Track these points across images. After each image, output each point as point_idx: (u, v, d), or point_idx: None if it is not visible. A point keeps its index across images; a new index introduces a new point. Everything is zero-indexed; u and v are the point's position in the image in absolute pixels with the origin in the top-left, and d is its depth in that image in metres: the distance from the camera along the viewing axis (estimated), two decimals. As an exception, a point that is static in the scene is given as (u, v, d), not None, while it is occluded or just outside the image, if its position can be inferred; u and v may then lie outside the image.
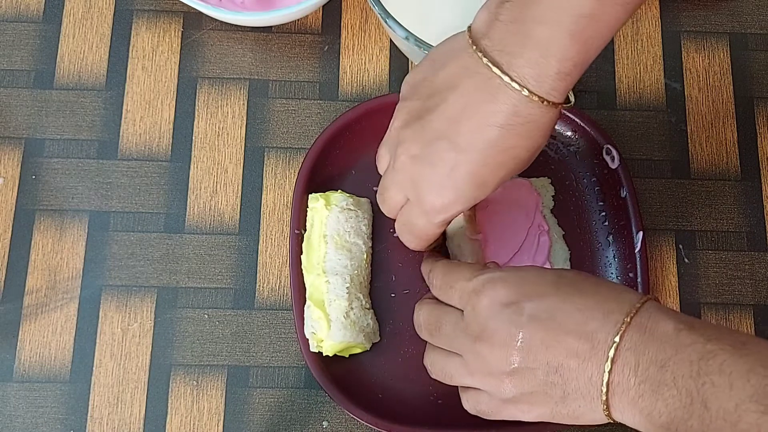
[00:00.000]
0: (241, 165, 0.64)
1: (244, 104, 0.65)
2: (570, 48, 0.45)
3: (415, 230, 0.53)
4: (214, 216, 0.63)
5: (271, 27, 0.67)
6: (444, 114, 0.48)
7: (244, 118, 0.65)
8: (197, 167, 0.64)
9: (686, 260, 0.63)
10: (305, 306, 0.58)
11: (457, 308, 0.50)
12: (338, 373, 0.57)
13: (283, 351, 0.60)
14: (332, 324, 0.56)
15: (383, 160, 0.53)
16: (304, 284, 0.58)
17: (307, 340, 0.57)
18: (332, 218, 0.58)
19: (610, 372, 0.43)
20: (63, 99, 0.65)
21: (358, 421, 0.58)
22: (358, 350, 0.58)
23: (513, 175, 0.50)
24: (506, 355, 0.46)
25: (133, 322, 0.60)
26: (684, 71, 0.67)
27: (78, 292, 0.61)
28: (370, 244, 0.60)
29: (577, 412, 0.46)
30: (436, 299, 0.53)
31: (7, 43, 0.66)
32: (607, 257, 0.61)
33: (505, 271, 0.50)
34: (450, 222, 0.54)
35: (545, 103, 0.46)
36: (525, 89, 0.45)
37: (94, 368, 0.59)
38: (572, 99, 0.49)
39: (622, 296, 0.46)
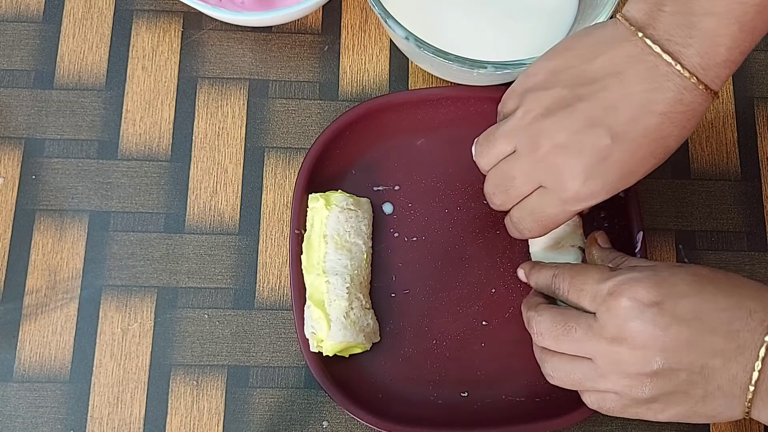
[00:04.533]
0: (241, 165, 0.64)
1: (244, 104, 0.65)
2: (738, 37, 0.46)
3: (542, 218, 0.52)
4: (214, 216, 0.63)
5: (271, 27, 0.67)
6: (601, 101, 0.48)
7: (244, 118, 0.65)
8: (197, 167, 0.64)
9: (686, 260, 0.63)
10: (305, 306, 0.58)
11: (586, 311, 0.49)
12: (338, 373, 0.57)
13: (283, 351, 0.60)
14: (332, 324, 0.56)
15: (499, 149, 0.52)
16: (304, 284, 0.58)
17: (307, 340, 0.57)
18: (332, 218, 0.58)
19: (760, 371, 0.44)
20: (63, 99, 0.65)
21: (358, 421, 0.58)
22: (358, 350, 0.58)
23: (656, 167, 0.50)
24: (648, 356, 0.46)
25: (133, 322, 0.60)
26: (684, 71, 0.67)
27: (78, 292, 0.61)
28: (370, 244, 0.60)
29: (715, 411, 0.46)
30: (549, 303, 0.52)
31: (7, 43, 0.66)
32: (607, 257, 0.61)
33: (640, 271, 0.49)
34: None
35: (708, 90, 0.47)
36: (694, 77, 0.46)
37: (94, 368, 0.59)
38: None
39: (762, 294, 0.46)
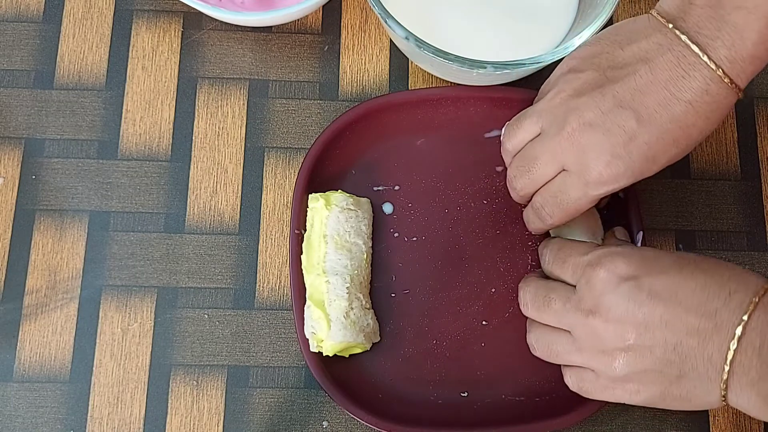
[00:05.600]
0: (241, 165, 0.64)
1: (244, 104, 0.65)
2: (765, 33, 0.47)
3: (564, 202, 0.52)
4: (214, 216, 0.63)
5: (271, 27, 0.67)
6: (630, 84, 0.49)
7: (244, 118, 0.65)
8: (197, 167, 0.64)
9: (686, 260, 0.63)
10: (305, 306, 0.58)
11: (568, 283, 0.51)
12: (338, 373, 0.57)
13: (283, 351, 0.60)
14: (332, 324, 0.56)
15: (526, 130, 0.53)
16: (304, 284, 0.58)
17: (307, 340, 0.57)
18: (332, 218, 0.58)
19: (735, 351, 0.44)
20: (63, 99, 0.65)
21: (358, 421, 0.58)
22: (358, 350, 0.58)
23: (680, 158, 0.51)
24: (622, 331, 0.46)
25: (133, 322, 0.60)
26: (684, 71, 0.67)
27: (78, 292, 0.61)
28: (370, 244, 0.60)
29: (691, 394, 0.46)
30: (543, 276, 0.53)
31: (7, 43, 0.66)
32: (607, 257, 0.61)
33: (624, 246, 0.50)
34: (600, 201, 0.53)
35: (733, 85, 0.48)
36: (720, 69, 0.47)
37: (94, 368, 0.59)
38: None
39: (746, 278, 0.47)
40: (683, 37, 0.48)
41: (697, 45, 0.48)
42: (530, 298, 0.53)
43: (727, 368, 0.44)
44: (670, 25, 0.49)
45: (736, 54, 0.47)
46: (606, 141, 0.49)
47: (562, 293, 0.51)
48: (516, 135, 0.54)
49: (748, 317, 0.44)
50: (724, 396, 0.45)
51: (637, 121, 0.49)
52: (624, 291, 0.47)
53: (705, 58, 0.47)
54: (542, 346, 0.53)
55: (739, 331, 0.44)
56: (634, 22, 0.51)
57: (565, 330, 0.50)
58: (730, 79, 0.48)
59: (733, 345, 0.44)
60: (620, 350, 0.47)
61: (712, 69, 0.47)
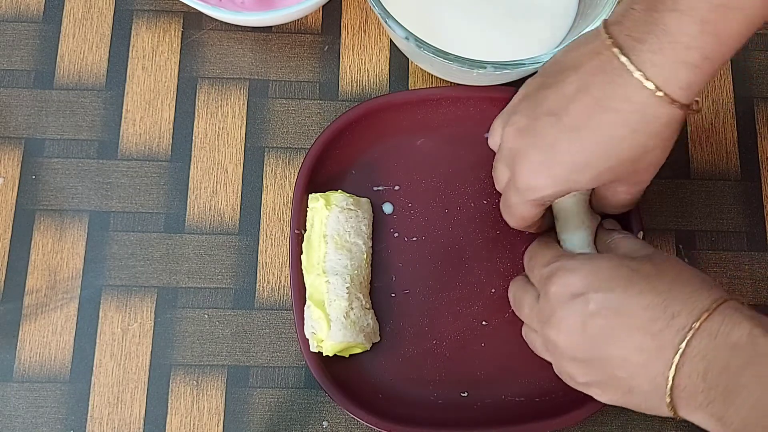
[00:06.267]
0: (241, 165, 0.64)
1: (244, 104, 0.65)
2: (699, 37, 0.43)
3: (511, 207, 0.52)
4: (214, 216, 0.63)
5: (271, 27, 0.67)
6: (559, 91, 0.48)
7: (244, 118, 0.65)
8: (197, 167, 0.64)
9: (686, 260, 0.63)
10: (305, 306, 0.58)
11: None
12: (338, 373, 0.57)
13: (283, 351, 0.60)
14: (332, 324, 0.56)
15: (495, 133, 0.53)
16: (304, 284, 0.58)
17: (307, 340, 0.57)
18: (332, 218, 0.58)
19: (674, 378, 0.43)
20: (63, 99, 0.65)
21: (358, 421, 0.58)
22: (358, 350, 0.58)
23: (613, 173, 0.48)
24: (573, 343, 0.47)
25: (133, 322, 0.60)
26: (684, 71, 0.67)
27: (78, 292, 0.61)
28: (370, 244, 0.60)
29: (645, 405, 0.46)
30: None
31: (7, 43, 0.66)
32: (607, 257, 0.61)
33: (579, 260, 0.49)
34: (546, 205, 0.52)
35: (661, 93, 0.44)
36: (641, 72, 0.44)
37: (94, 368, 0.59)
38: (700, 105, 0.47)
39: (695, 297, 0.44)
40: (608, 41, 0.45)
41: (621, 48, 0.45)
42: (511, 299, 0.55)
43: (668, 392, 0.43)
44: (604, 30, 0.46)
45: (664, 59, 0.44)
46: (532, 148, 0.48)
47: (530, 300, 0.52)
48: (492, 136, 0.54)
49: (686, 344, 0.43)
50: (674, 413, 0.44)
51: (559, 129, 0.47)
52: (573, 307, 0.47)
53: (624, 60, 0.44)
54: (528, 339, 0.54)
55: (677, 359, 0.43)
56: (593, 30, 0.49)
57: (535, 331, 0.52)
58: (656, 86, 0.44)
59: (672, 372, 0.43)
60: (575, 361, 0.48)
61: (634, 73, 0.44)
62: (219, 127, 0.65)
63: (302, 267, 0.59)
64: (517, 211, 0.52)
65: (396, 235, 0.61)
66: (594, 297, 0.46)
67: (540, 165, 0.48)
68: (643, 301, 0.45)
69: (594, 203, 0.56)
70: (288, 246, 0.60)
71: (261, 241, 0.62)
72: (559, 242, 0.56)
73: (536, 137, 0.48)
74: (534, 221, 0.54)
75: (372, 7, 0.58)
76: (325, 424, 0.59)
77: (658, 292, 0.45)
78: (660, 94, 0.44)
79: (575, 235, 0.56)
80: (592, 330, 0.46)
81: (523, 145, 0.49)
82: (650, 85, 0.44)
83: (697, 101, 0.46)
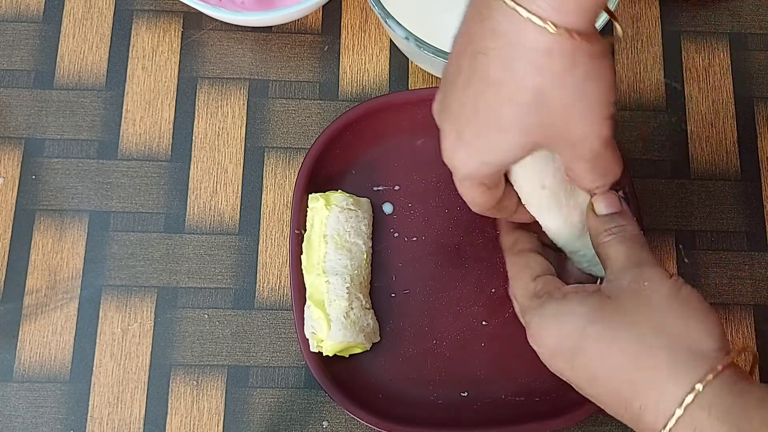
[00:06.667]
0: (241, 165, 0.64)
1: (244, 104, 0.65)
2: None
3: (461, 194, 0.48)
4: (214, 216, 0.63)
5: (271, 27, 0.67)
6: (452, 52, 0.43)
7: (244, 118, 0.65)
8: (197, 167, 0.64)
9: (686, 260, 0.63)
10: (305, 306, 0.58)
11: None
12: (338, 373, 0.57)
13: (283, 351, 0.60)
14: (332, 324, 0.56)
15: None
16: (304, 284, 0.58)
17: (307, 340, 0.57)
18: (332, 218, 0.58)
19: None
20: (63, 99, 0.65)
21: (358, 421, 0.58)
22: (358, 350, 0.58)
23: (530, 134, 0.41)
24: (562, 372, 0.45)
25: (133, 322, 0.60)
26: (684, 71, 0.67)
27: (78, 292, 0.61)
28: (370, 244, 0.60)
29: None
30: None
31: (7, 43, 0.66)
32: (607, 257, 0.61)
33: (558, 306, 0.44)
34: (493, 186, 0.46)
35: (525, 12, 0.37)
36: None
37: (94, 368, 0.59)
38: (620, 32, 0.41)
39: (682, 373, 0.39)
40: None
41: None
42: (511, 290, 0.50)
43: None
44: None
45: None
46: (445, 123, 0.44)
47: (517, 305, 0.49)
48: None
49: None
50: None
51: (457, 93, 0.42)
52: (554, 361, 0.44)
53: None
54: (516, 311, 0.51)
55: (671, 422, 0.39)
56: None
57: None
58: (518, 4, 0.37)
59: None
60: (562, 371, 0.46)
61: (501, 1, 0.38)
62: (219, 127, 0.65)
63: (302, 267, 0.59)
64: (465, 196, 0.47)
65: (396, 235, 0.61)
66: (569, 357, 0.43)
67: (456, 141, 0.44)
68: (611, 385, 0.42)
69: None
70: (288, 246, 0.60)
71: (261, 241, 0.62)
72: (543, 240, 0.53)
73: (446, 110, 0.44)
74: (493, 206, 0.48)
75: (372, 7, 0.58)
76: (325, 424, 0.59)
77: (627, 372, 0.41)
78: (524, 14, 0.37)
79: (575, 254, 0.52)
80: (575, 378, 0.44)
81: (440, 123, 0.45)
82: (512, 4, 0.38)
83: (617, 31, 0.41)
